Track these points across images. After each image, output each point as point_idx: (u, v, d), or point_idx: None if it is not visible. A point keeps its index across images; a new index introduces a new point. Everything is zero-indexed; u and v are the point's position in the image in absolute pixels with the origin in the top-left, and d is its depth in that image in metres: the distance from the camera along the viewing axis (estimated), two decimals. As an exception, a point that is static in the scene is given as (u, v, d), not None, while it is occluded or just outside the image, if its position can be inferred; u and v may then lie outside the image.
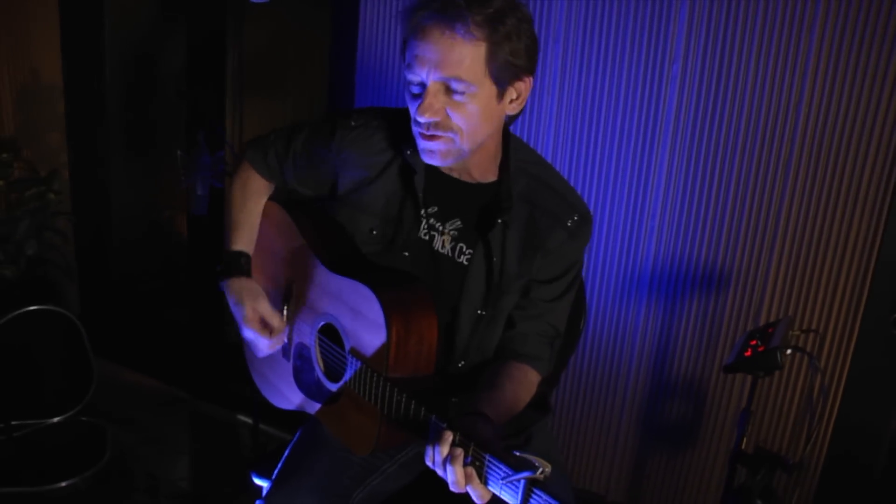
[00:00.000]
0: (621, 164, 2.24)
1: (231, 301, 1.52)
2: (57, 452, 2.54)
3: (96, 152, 3.21)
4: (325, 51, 2.70)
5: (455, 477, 1.12)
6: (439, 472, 1.15)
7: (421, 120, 1.28)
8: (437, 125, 1.28)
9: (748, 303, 2.18)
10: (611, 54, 2.19)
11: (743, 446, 1.77)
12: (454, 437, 1.14)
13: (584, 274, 2.31)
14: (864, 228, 2.01)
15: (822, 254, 2.07)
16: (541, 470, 1.05)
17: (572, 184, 2.25)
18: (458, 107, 1.27)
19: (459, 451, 1.12)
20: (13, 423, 2.56)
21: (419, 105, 1.27)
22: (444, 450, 1.13)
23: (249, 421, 2.88)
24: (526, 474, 1.05)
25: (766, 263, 2.13)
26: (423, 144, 1.32)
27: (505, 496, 1.10)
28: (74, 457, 2.51)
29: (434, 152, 1.31)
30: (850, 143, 1.98)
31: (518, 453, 1.09)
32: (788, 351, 1.65)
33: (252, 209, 1.60)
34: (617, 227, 2.29)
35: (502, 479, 1.08)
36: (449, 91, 1.26)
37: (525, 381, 1.42)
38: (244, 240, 1.57)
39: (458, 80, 1.24)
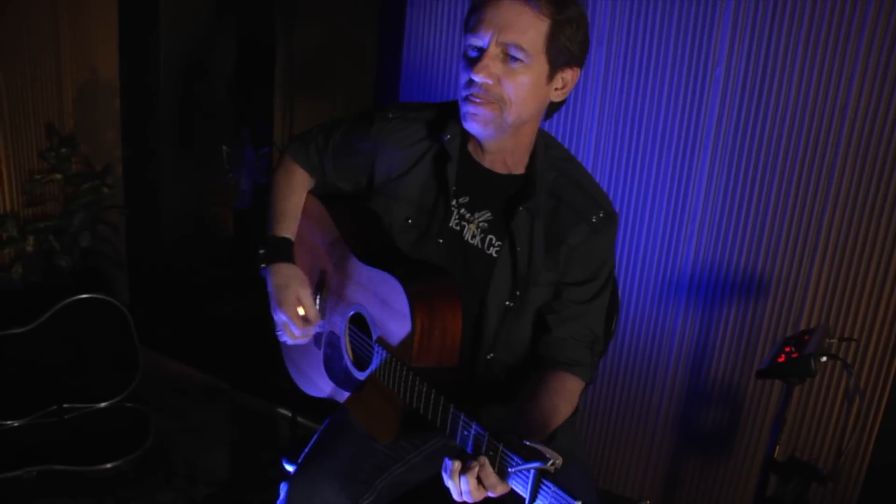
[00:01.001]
0: (662, 167, 2.23)
1: (272, 284, 1.56)
2: (103, 436, 2.63)
3: (148, 149, 3.32)
4: (372, 51, 2.76)
5: (468, 487, 1.14)
6: (450, 483, 1.17)
7: (476, 79, 1.30)
8: (488, 88, 1.31)
9: (787, 310, 2.14)
10: (654, 57, 2.18)
11: (776, 455, 1.75)
12: (477, 442, 1.16)
13: (621, 276, 2.33)
14: (911, 237, 1.96)
15: (867, 262, 2.03)
16: (551, 462, 1.05)
17: (613, 186, 2.29)
18: (512, 75, 1.30)
19: (476, 462, 1.14)
20: (65, 405, 2.67)
21: (476, 65, 1.30)
22: (458, 464, 1.16)
23: (288, 413, 2.93)
24: (536, 465, 1.06)
25: (807, 270, 2.10)
26: (468, 108, 1.34)
27: (517, 488, 1.11)
28: (119, 441, 2.60)
29: (478, 116, 1.33)
30: (897, 151, 1.94)
31: (528, 443, 1.10)
32: (823, 358, 1.62)
33: (295, 201, 1.64)
34: (657, 230, 2.27)
35: (512, 469, 1.10)
36: (506, 58, 1.30)
37: (563, 391, 1.40)
38: (288, 227, 1.61)
39: (519, 47, 1.28)
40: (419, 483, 1.55)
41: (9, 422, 2.57)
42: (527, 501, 1.08)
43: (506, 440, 1.12)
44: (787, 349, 1.68)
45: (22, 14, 2.90)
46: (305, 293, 1.55)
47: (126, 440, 2.61)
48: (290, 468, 1.68)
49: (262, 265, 1.59)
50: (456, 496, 1.17)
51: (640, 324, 2.36)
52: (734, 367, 2.24)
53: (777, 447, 1.74)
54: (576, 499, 1.01)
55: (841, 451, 1.64)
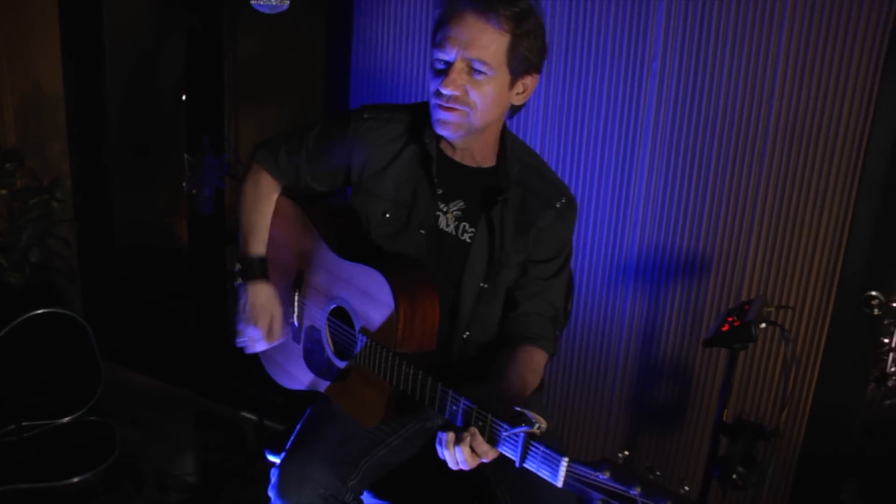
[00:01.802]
0: (605, 159, 2.36)
1: (249, 301, 1.67)
2: (68, 451, 2.62)
3: (97, 160, 3.30)
4: (320, 56, 2.81)
5: (463, 455, 1.24)
6: (446, 453, 1.27)
7: (444, 92, 1.42)
8: (455, 99, 1.43)
9: (729, 285, 2.29)
10: (593, 55, 2.31)
11: (724, 417, 1.88)
12: (467, 415, 1.25)
13: (572, 263, 2.45)
14: (836, 212, 2.12)
15: (798, 237, 2.18)
16: (537, 425, 1.16)
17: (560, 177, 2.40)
18: (477, 85, 1.42)
19: (468, 433, 1.24)
20: (24, 424, 2.64)
21: (444, 79, 1.41)
22: (452, 435, 1.26)
23: (254, 417, 2.96)
24: (524, 429, 1.16)
25: (744, 248, 2.25)
26: (439, 115, 1.46)
27: (506, 452, 1.20)
28: (85, 455, 2.59)
29: (448, 123, 1.46)
30: (820, 132, 2.09)
31: (518, 409, 1.20)
32: (763, 325, 1.76)
33: (264, 211, 1.72)
34: (603, 219, 2.40)
35: (503, 435, 1.19)
36: (471, 71, 1.41)
37: (531, 363, 1.53)
38: (260, 243, 1.71)
39: (482, 62, 1.40)
40: (400, 463, 1.65)
41: (-35, 444, 2.54)
42: (517, 463, 1.18)
43: (493, 410, 1.23)
44: (730, 319, 1.82)
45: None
46: (279, 314, 1.68)
47: (92, 454, 2.60)
48: (273, 458, 1.74)
49: (238, 281, 1.68)
50: (452, 465, 1.27)
51: (592, 308, 2.48)
52: (682, 342, 2.38)
53: (725, 411, 1.88)
54: (562, 455, 1.11)
55: (783, 406, 1.78)
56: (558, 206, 1.57)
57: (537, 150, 2.41)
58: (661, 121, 2.27)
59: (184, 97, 3.10)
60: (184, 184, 2.37)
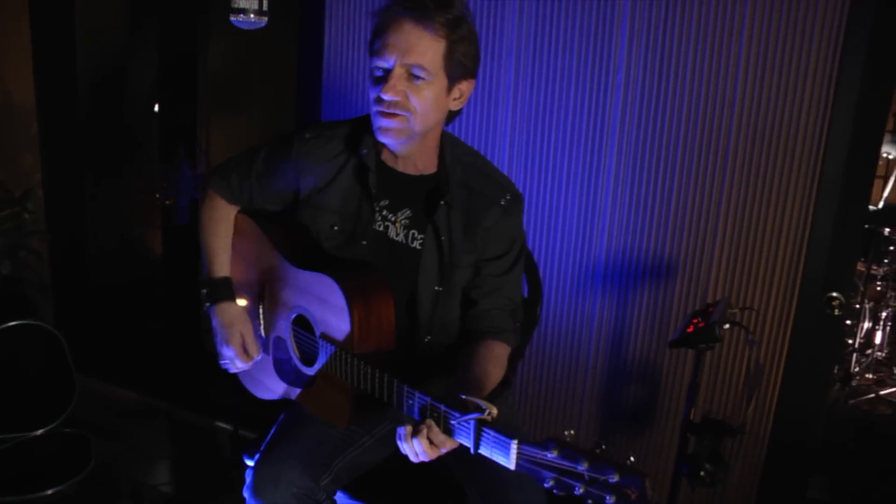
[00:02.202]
0: (573, 167, 2.42)
1: (218, 322, 1.72)
2: (43, 463, 2.61)
3: (69, 171, 3.29)
4: (291, 66, 2.84)
5: (421, 447, 1.28)
6: (405, 447, 1.31)
7: (385, 98, 1.46)
8: (396, 104, 1.47)
9: (695, 288, 2.36)
10: (560, 66, 2.37)
11: (692, 416, 1.94)
12: (422, 408, 1.30)
13: (541, 270, 2.50)
14: (796, 215, 2.20)
15: (760, 240, 2.25)
16: (487, 411, 1.20)
17: (528, 188, 2.46)
18: (417, 91, 1.47)
19: (424, 425, 1.29)
20: (-2, 436, 2.63)
21: (384, 85, 1.45)
22: (409, 428, 1.30)
23: (229, 427, 2.97)
24: (475, 415, 1.20)
25: (709, 252, 2.32)
26: (381, 122, 1.50)
27: (462, 440, 1.25)
28: (59, 467, 2.58)
29: (390, 130, 1.50)
30: (780, 139, 2.17)
31: (464, 396, 1.24)
32: (726, 325, 1.82)
33: (223, 233, 1.77)
34: (571, 225, 2.46)
35: (456, 423, 1.23)
36: (410, 77, 1.46)
37: (492, 356, 1.57)
38: (222, 265, 1.75)
39: (421, 67, 1.45)
40: (374, 464, 1.68)
41: (-63, 458, 2.52)
42: (472, 449, 1.23)
43: (446, 401, 1.28)
44: (695, 320, 1.88)
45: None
46: (248, 331, 1.72)
47: (67, 465, 2.59)
48: (250, 462, 1.76)
49: (207, 304, 1.72)
50: (413, 458, 1.32)
51: (562, 313, 2.53)
52: (650, 344, 2.44)
53: (693, 410, 1.94)
54: (511, 438, 1.15)
55: (748, 404, 1.84)
56: (503, 203, 1.61)
57: (504, 160, 2.49)
58: (627, 129, 2.33)
59: (157, 108, 3.11)
60: (157, 194, 2.39)
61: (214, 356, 1.77)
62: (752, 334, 1.98)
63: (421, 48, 1.44)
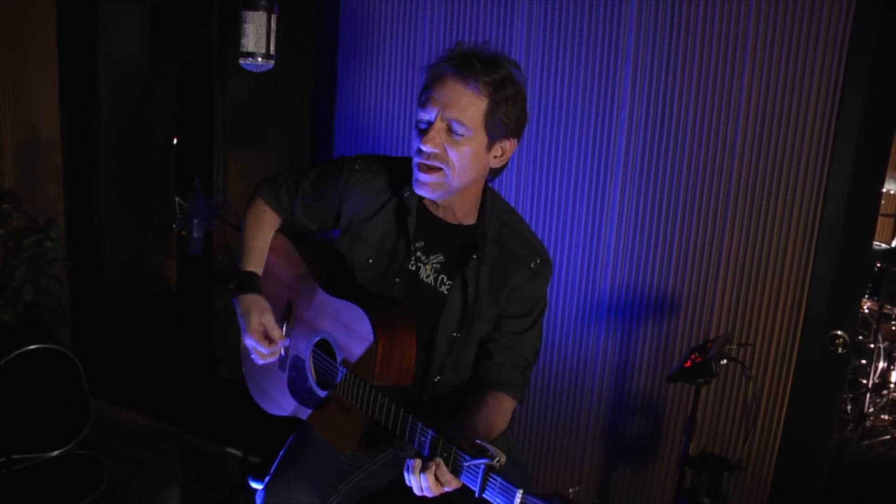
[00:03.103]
0: (577, 202, 2.47)
1: (239, 312, 1.75)
2: (56, 484, 2.67)
3: (91, 202, 3.40)
4: (306, 101, 2.93)
5: (428, 482, 1.32)
6: (412, 479, 1.35)
7: (424, 149, 1.52)
8: (434, 156, 1.53)
9: (698, 323, 2.38)
10: (565, 105, 2.43)
11: (690, 451, 1.96)
12: (434, 446, 1.34)
13: (547, 306, 2.54)
14: (798, 253, 2.22)
15: (762, 276, 2.27)
16: (497, 458, 1.24)
17: (534, 222, 2.52)
18: (455, 145, 1.52)
19: (433, 462, 1.33)
20: (14, 457, 2.70)
21: (424, 136, 1.52)
22: (418, 462, 1.34)
23: (238, 453, 3.02)
24: (484, 461, 1.24)
25: (712, 288, 2.35)
26: (419, 176, 1.56)
27: (467, 482, 1.29)
28: (72, 488, 2.65)
29: (426, 184, 1.56)
30: (781, 179, 2.20)
31: (479, 441, 1.28)
32: (723, 361, 1.86)
33: (263, 237, 1.84)
34: (576, 259, 2.50)
35: (465, 465, 1.28)
36: (450, 131, 1.51)
37: (500, 407, 1.62)
38: (255, 263, 1.81)
39: (460, 122, 1.50)
40: (376, 488, 1.74)
41: (-44, 477, 2.59)
42: (476, 493, 1.27)
43: (458, 443, 1.32)
44: (693, 356, 1.91)
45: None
46: (267, 317, 1.73)
47: (79, 486, 2.65)
48: (256, 484, 1.82)
49: (233, 297, 1.77)
50: (417, 491, 1.36)
51: (566, 346, 2.57)
52: (654, 378, 2.46)
53: (691, 444, 1.96)
54: (517, 487, 1.19)
55: (746, 439, 1.87)
56: (532, 266, 1.66)
57: (511, 194, 2.55)
58: (630, 167, 2.38)
59: (175, 142, 3.21)
60: (174, 225, 2.47)
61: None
62: (749, 370, 2.01)
63: (462, 104, 1.50)
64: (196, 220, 2.29)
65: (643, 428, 2.50)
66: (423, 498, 1.38)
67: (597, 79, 2.38)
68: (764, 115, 2.20)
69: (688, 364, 1.88)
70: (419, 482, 1.34)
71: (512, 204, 2.48)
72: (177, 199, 2.27)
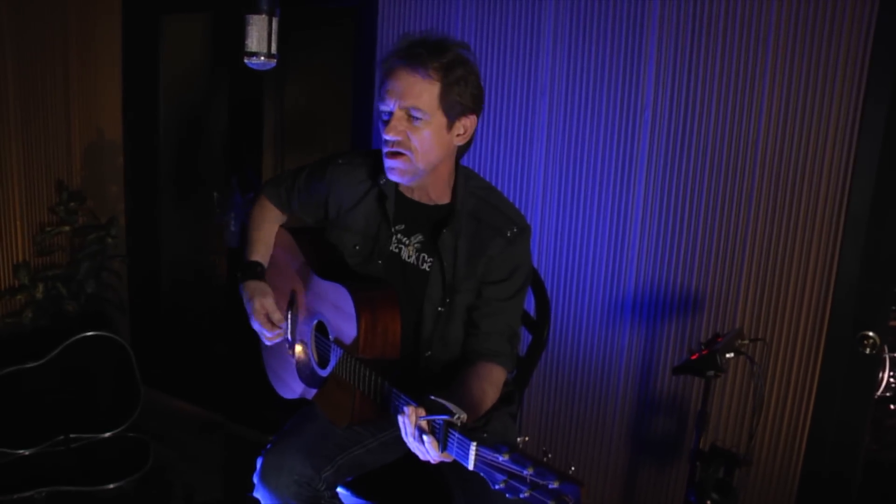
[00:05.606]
0: (602, 200, 2.50)
1: (245, 298, 1.89)
2: (107, 462, 2.87)
3: (149, 202, 3.62)
4: (349, 106, 3.06)
5: (426, 446, 1.37)
6: (413, 445, 1.40)
7: (388, 138, 1.63)
8: (398, 143, 1.63)
9: (722, 323, 2.37)
10: (590, 105, 2.48)
11: (701, 445, 1.97)
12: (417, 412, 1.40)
13: (572, 301, 2.58)
14: (823, 251, 2.19)
15: (787, 273, 2.25)
16: (457, 415, 1.30)
17: (559, 220, 2.58)
18: (416, 130, 1.62)
19: (411, 409, 1.39)
20: (71, 435, 2.91)
21: (387, 126, 1.62)
22: (412, 422, 1.39)
23: (279, 441, 3.14)
24: (444, 417, 1.30)
25: (735, 285, 2.34)
26: (387, 163, 1.67)
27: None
28: (121, 466, 2.83)
29: (395, 169, 1.66)
30: (805, 175, 2.19)
31: (432, 397, 1.35)
32: (730, 354, 1.86)
33: (267, 230, 1.99)
34: (601, 257, 2.53)
35: (429, 422, 1.34)
36: (410, 118, 1.61)
37: (489, 377, 1.68)
38: (258, 253, 1.96)
39: (417, 108, 1.60)
40: (376, 465, 1.82)
41: (20, 451, 2.80)
42: (440, 447, 1.33)
43: (424, 404, 1.39)
44: (702, 349, 1.92)
45: (36, 80, 3.24)
46: (268, 301, 1.87)
47: (128, 465, 2.83)
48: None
49: (239, 284, 1.91)
50: (421, 456, 1.41)
51: (591, 344, 2.59)
52: (678, 376, 2.46)
53: (702, 438, 1.96)
54: (472, 440, 1.25)
55: (752, 435, 1.86)
56: (509, 234, 1.72)
57: (539, 192, 2.60)
58: (654, 165, 2.40)
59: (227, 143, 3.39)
60: (220, 216, 2.62)
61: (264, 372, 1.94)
62: (758, 365, 2.00)
63: (415, 91, 1.60)
64: (233, 214, 2.43)
65: (668, 425, 2.50)
66: (418, 473, 1.45)
67: (621, 79, 2.42)
68: (787, 112, 2.19)
69: (695, 356, 1.89)
70: (404, 428, 1.40)
71: (539, 203, 2.56)
72: (214, 193, 2.41)
